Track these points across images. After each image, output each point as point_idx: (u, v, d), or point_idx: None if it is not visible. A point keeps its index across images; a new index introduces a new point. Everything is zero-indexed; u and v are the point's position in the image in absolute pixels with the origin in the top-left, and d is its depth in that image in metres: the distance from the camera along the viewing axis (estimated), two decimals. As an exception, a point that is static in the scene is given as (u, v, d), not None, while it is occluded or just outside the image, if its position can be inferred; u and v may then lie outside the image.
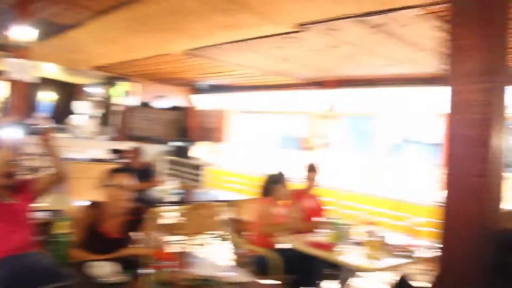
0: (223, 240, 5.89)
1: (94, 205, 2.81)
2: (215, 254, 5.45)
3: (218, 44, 7.05)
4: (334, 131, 10.17)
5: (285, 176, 4.59)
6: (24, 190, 2.62)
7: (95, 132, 13.11)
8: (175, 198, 5.95)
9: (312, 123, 10.68)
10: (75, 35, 7.00)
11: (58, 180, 2.53)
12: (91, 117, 13.78)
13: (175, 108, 13.74)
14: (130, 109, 12.74)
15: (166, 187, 5.98)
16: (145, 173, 6.28)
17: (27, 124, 2.06)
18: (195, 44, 7.10)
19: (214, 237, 5.81)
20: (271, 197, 4.25)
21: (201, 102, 13.18)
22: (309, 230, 4.26)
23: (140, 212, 2.93)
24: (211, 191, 7.78)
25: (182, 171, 10.84)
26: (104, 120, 13.09)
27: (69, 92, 17.86)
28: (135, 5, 5.32)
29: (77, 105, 14.25)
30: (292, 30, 5.77)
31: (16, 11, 5.27)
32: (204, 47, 7.32)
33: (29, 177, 2.65)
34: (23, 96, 5.56)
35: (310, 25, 5.52)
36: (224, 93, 12.49)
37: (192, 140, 12.57)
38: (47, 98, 14.81)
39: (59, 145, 2.41)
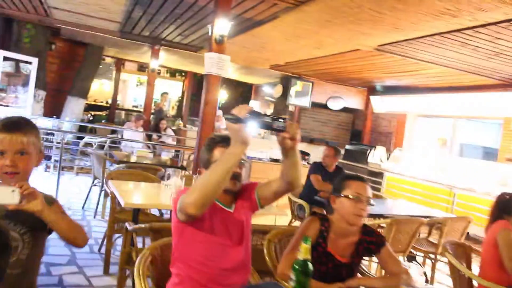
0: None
1: (323, 218, 2.28)
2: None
3: (418, 38, 6.24)
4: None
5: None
6: (245, 196, 2.14)
7: (266, 132, 13.13)
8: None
9: (509, 131, 9.17)
10: (265, 31, 6.80)
11: (288, 188, 2.00)
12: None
13: (348, 110, 13.14)
14: (301, 109, 12.49)
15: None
16: (336, 176, 5.76)
17: (268, 118, 1.55)
18: (392, 37, 6.37)
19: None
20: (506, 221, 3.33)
21: (377, 104, 12.30)
22: None
23: (373, 234, 2.33)
24: (397, 202, 6.97)
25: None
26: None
27: (240, 91, 18.52)
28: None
29: (253, 105, 14.51)
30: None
31: (217, 4, 5.18)
32: (401, 41, 6.57)
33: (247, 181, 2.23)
34: (215, 92, 5.46)
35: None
36: (403, 95, 11.44)
37: (371, 145, 11.76)
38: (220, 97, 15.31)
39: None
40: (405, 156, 11.17)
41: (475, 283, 3.28)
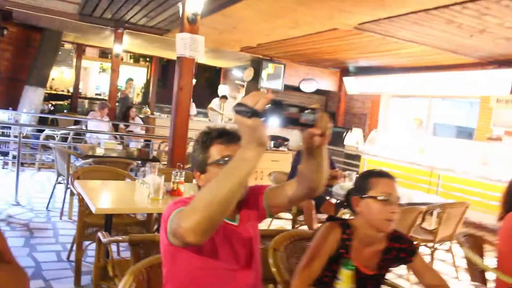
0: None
1: (343, 224, 1.89)
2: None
3: (402, 15, 5.91)
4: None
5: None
6: (251, 204, 1.70)
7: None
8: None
9: (487, 110, 9.03)
10: (239, 9, 6.33)
11: (308, 194, 1.58)
12: (234, 102, 13.45)
13: (321, 92, 12.83)
14: (273, 93, 12.08)
15: (347, 183, 5.02)
16: None
17: (294, 108, 1.13)
18: (375, 15, 6.02)
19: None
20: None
21: (351, 86, 12.02)
22: None
23: (403, 240, 1.95)
24: None
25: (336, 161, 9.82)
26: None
27: (207, 76, 17.95)
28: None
29: (221, 89, 14.00)
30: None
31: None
32: (382, 19, 6.22)
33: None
34: (190, 77, 4.99)
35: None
36: (377, 75, 11.19)
37: (346, 127, 11.48)
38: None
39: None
40: (381, 138, 10.96)
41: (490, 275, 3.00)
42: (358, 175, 1.98)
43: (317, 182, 1.50)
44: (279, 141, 7.71)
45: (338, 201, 4.82)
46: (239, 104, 1.13)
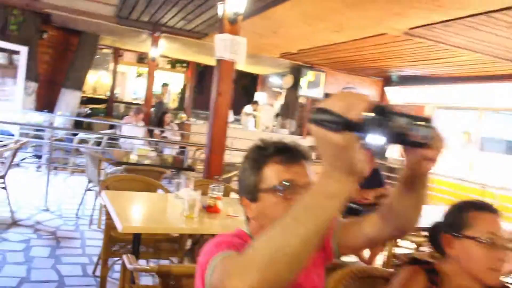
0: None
1: (431, 270, 1.46)
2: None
3: (458, 19, 5.43)
4: None
5: None
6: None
7: (275, 126, 12.36)
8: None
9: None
10: (282, 11, 5.98)
11: (396, 235, 1.16)
12: (271, 109, 13.11)
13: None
14: (313, 101, 11.68)
15: None
16: (374, 180, 4.95)
17: (407, 118, 0.72)
18: (428, 19, 5.57)
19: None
20: None
21: (393, 96, 11.49)
22: None
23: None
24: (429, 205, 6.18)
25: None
26: (285, 113, 12.26)
27: (243, 83, 17.65)
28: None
29: (258, 97, 13.70)
30: None
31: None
32: (436, 23, 5.75)
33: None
34: (229, 81, 4.65)
35: None
36: (422, 85, 10.63)
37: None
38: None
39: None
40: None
41: None
42: (451, 206, 1.54)
43: (412, 221, 1.10)
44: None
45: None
46: (321, 110, 0.74)
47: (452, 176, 8.23)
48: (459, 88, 9.77)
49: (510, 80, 8.52)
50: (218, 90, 4.69)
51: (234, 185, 6.27)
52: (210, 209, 2.98)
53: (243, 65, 12.31)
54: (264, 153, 1.29)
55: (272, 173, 1.26)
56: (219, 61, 4.67)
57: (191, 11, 7.29)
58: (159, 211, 2.99)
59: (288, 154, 1.27)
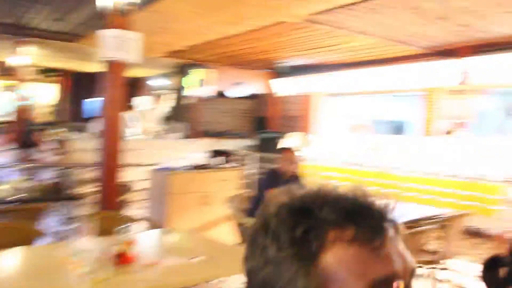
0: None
1: None
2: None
3: (361, 2, 5.11)
4: (469, 110, 8.04)
5: None
6: None
7: (165, 130, 11.45)
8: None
9: (433, 102, 8.60)
10: (170, 3, 5.19)
11: None
12: (156, 113, 12.15)
13: (253, 96, 11.90)
14: (203, 101, 10.97)
15: None
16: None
17: None
18: (333, 2, 5.15)
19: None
20: None
21: (283, 87, 11.24)
22: None
23: None
24: None
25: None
26: (175, 115, 11.42)
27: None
28: None
29: (139, 101, 12.63)
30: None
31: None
32: (338, 8, 5.38)
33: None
34: (120, 86, 3.77)
35: None
36: (312, 74, 10.49)
37: (281, 131, 10.65)
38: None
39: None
40: (322, 140, 10.32)
41: None
42: None
43: None
44: (223, 156, 6.63)
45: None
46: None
47: (351, 163, 8.17)
48: (348, 74, 9.75)
49: (401, 62, 8.61)
50: (109, 97, 3.81)
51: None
52: (123, 261, 2.19)
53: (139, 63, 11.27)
54: (314, 225, 0.63)
55: (346, 268, 0.61)
56: (108, 62, 3.77)
57: (63, 9, 6.16)
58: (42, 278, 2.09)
59: (367, 220, 0.63)
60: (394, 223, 0.64)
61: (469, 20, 5.83)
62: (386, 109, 12.30)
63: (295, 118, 11.38)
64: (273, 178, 4.38)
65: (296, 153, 4.56)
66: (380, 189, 7.20)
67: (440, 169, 7.12)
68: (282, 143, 10.19)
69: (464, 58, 7.68)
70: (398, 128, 12.43)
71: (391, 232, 0.63)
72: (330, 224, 0.62)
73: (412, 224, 3.40)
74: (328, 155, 9.38)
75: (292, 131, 10.63)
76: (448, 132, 7.69)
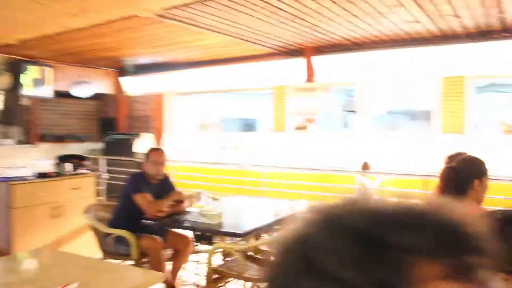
0: None
1: None
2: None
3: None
4: (316, 106, 8.54)
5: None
6: None
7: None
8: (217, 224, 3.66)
9: (282, 100, 8.98)
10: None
11: None
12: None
13: (98, 96, 11.09)
14: (41, 102, 9.90)
15: (206, 207, 3.82)
16: (165, 188, 4.12)
17: None
18: (175, 1, 4.96)
19: None
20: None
21: (131, 86, 10.71)
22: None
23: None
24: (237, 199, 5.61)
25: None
26: (6, 119, 10.09)
27: None
28: None
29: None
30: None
31: None
32: (193, 3, 5.20)
33: None
34: None
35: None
36: (162, 73, 10.18)
37: (131, 133, 10.14)
38: None
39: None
40: (176, 140, 10.10)
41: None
42: None
43: None
44: (75, 161, 6.00)
45: (199, 234, 3.68)
46: None
47: (210, 162, 8.14)
48: (198, 73, 9.66)
49: (251, 61, 8.78)
50: None
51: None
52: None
53: None
54: (394, 260, 0.44)
55: None
56: None
57: None
58: None
59: (462, 249, 0.47)
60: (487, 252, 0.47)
61: (317, 22, 6.11)
62: (238, 107, 12.53)
63: (146, 118, 10.93)
64: (140, 183, 4.03)
65: (165, 154, 4.25)
66: (242, 187, 7.26)
67: (296, 164, 7.42)
68: (135, 145, 9.71)
69: (310, 57, 8.13)
70: (249, 126, 12.75)
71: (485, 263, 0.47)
72: (417, 256, 0.43)
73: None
74: (183, 155, 9.18)
75: (144, 132, 10.20)
76: (299, 128, 8.04)
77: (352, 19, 5.93)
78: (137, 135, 9.80)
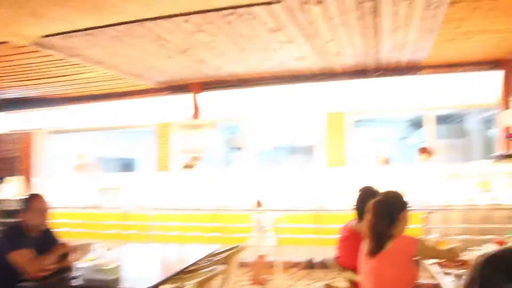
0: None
1: None
2: None
3: (108, 26, 4.68)
4: (203, 143, 8.37)
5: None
6: None
7: None
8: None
9: (166, 137, 8.63)
10: None
11: None
12: None
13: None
14: None
15: (96, 257, 3.32)
16: (48, 240, 3.53)
17: None
18: (69, 24, 4.57)
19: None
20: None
21: (-4, 124, 9.64)
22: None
23: None
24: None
25: None
26: None
27: None
28: None
29: None
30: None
31: None
32: (80, 31, 4.81)
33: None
34: None
35: None
36: (34, 109, 9.30)
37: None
38: None
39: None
40: (48, 184, 9.13)
41: None
42: None
43: None
44: None
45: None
46: None
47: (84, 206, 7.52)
48: (77, 109, 9.00)
49: (133, 97, 8.42)
50: None
51: None
52: None
53: None
54: None
55: None
56: None
57: None
58: None
59: None
60: None
61: (207, 56, 6.05)
62: (116, 146, 11.87)
63: (12, 160, 9.80)
64: (16, 238, 3.41)
65: (47, 201, 3.67)
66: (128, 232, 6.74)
67: (183, 204, 7.13)
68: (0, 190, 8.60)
69: (195, 93, 8.00)
70: (128, 165, 12.12)
71: None
72: None
73: (197, 267, 3.10)
74: (58, 200, 8.33)
75: (10, 175, 9.12)
76: (187, 167, 7.78)
77: (242, 54, 5.96)
78: (1, 179, 8.73)
